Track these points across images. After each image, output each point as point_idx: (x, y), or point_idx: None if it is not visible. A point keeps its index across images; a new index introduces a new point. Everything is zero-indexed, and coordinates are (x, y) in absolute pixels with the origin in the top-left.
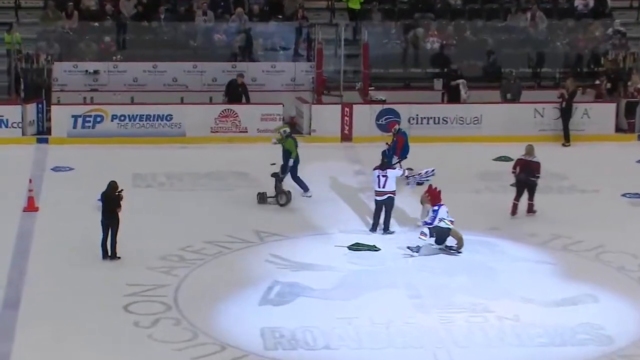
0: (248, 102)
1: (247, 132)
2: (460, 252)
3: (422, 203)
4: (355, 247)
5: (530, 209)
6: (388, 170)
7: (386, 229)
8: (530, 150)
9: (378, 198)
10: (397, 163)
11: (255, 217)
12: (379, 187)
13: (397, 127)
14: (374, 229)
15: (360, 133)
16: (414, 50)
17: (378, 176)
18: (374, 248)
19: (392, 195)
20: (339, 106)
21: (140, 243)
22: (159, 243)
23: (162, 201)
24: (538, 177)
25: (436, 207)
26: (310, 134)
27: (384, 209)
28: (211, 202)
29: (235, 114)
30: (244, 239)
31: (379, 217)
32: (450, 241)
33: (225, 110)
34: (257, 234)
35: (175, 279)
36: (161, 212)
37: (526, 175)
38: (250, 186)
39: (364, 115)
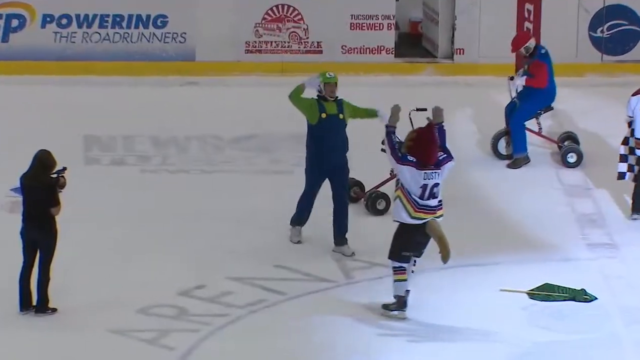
0: None
1: (320, 51)
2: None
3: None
4: (545, 293)
5: None
6: None
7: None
8: None
9: None
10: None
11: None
12: None
13: (529, 43)
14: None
15: (558, 55)
16: None
17: None
18: (581, 296)
19: None
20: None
21: (99, 281)
22: (138, 281)
23: (146, 192)
24: None
25: None
26: (452, 57)
27: None
28: (246, 195)
29: (297, 14)
30: (313, 274)
31: None
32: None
33: (276, 6)
34: (342, 265)
35: (168, 356)
36: (143, 216)
37: None
38: None
39: (568, 20)
